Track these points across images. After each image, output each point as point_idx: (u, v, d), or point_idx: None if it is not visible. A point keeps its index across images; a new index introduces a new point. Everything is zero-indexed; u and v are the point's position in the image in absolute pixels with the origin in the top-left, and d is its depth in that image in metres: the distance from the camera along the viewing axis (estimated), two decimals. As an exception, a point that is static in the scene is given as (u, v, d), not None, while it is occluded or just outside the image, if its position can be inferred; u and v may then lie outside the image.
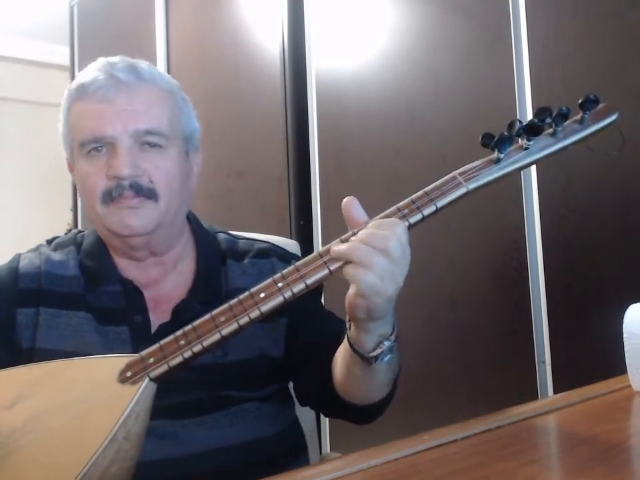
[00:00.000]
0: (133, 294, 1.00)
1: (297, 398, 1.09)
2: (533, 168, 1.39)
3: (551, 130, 0.78)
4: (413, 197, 0.78)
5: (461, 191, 0.77)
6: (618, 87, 1.29)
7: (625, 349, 0.87)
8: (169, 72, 2.39)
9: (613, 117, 0.80)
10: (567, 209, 1.34)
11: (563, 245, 1.35)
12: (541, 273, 1.38)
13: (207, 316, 0.78)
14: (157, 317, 0.99)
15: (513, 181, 1.42)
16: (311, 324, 1.02)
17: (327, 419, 1.82)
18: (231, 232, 1.14)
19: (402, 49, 1.68)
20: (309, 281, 0.76)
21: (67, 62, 3.00)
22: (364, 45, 1.79)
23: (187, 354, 0.77)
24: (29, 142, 4.38)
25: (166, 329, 0.96)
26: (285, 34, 1.98)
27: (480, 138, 0.77)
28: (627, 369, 0.87)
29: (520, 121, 0.76)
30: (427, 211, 0.77)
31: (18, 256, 1.05)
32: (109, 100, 0.95)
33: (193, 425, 0.95)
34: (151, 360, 0.78)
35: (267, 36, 2.05)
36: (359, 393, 0.92)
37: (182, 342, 0.78)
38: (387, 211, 0.78)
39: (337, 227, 1.84)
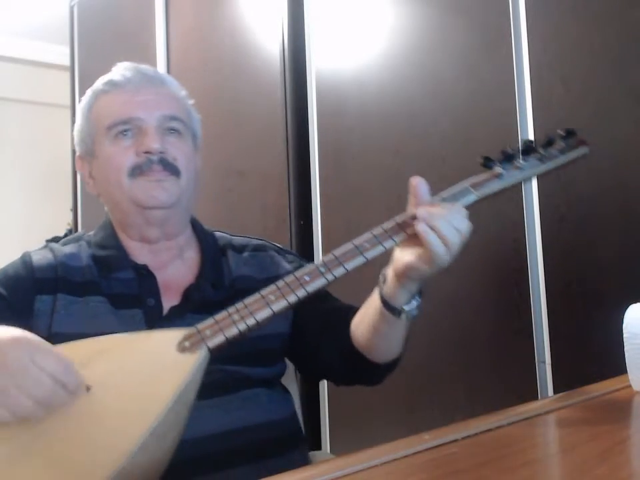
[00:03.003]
0: (146, 278, 1.06)
1: (311, 372, 1.19)
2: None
3: (538, 154, 0.95)
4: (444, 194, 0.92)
5: (471, 197, 0.91)
6: (618, 87, 1.29)
7: (625, 349, 0.87)
8: (169, 72, 2.39)
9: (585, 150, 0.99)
10: (567, 209, 1.34)
11: (562, 245, 1.35)
12: (541, 273, 1.38)
13: (257, 295, 0.87)
14: (167, 300, 1.06)
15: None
16: (317, 300, 1.06)
17: (327, 419, 1.82)
18: (223, 231, 1.22)
19: (402, 49, 1.68)
20: (348, 266, 0.87)
21: (67, 62, 2.98)
22: (364, 45, 1.78)
23: (242, 326, 0.85)
24: (29, 142, 4.38)
25: (176, 311, 1.04)
26: (285, 34, 1.98)
27: (482, 159, 0.93)
28: (627, 369, 0.87)
29: (510, 147, 0.94)
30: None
31: (27, 253, 1.09)
32: (138, 90, 1.08)
33: (207, 408, 0.97)
34: (208, 332, 0.85)
35: (267, 36, 2.05)
36: (383, 348, 1.01)
37: (235, 317, 0.86)
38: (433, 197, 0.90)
39: (337, 227, 1.85)
